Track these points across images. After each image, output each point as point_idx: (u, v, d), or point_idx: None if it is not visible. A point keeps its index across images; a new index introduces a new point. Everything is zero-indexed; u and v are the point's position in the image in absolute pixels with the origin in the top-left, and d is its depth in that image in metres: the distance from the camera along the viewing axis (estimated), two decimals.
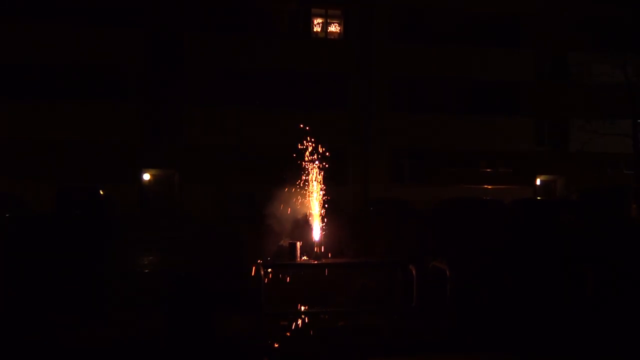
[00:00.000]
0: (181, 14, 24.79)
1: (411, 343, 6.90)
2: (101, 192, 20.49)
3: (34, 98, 23.76)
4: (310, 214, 8.23)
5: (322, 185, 8.30)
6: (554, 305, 8.50)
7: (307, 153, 8.31)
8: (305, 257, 7.87)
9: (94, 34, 24.06)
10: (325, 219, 8.28)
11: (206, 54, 24.68)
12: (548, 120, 27.70)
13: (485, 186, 26.52)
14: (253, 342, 6.71)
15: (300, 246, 7.85)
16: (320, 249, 7.99)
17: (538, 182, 28.08)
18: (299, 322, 7.55)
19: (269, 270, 7.58)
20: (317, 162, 8.24)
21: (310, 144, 8.31)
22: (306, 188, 8.31)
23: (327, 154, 8.41)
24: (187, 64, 24.77)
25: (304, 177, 8.28)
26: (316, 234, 8.15)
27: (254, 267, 7.27)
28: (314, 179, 8.20)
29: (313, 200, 8.24)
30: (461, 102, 26.66)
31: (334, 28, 26.85)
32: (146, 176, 25.11)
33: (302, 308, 7.77)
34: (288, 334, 7.13)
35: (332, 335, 7.15)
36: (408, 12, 26.70)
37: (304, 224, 8.24)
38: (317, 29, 26.65)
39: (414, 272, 7.79)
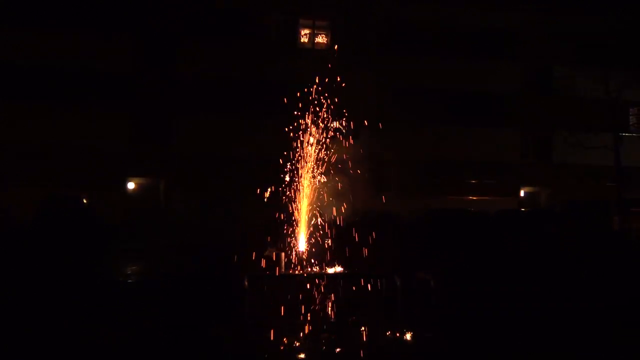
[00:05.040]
0: (171, 22, 24.72)
1: (393, 353, 6.88)
2: (84, 201, 20.27)
3: (17, 102, 23.26)
4: (297, 226, 8.21)
5: (311, 197, 8.29)
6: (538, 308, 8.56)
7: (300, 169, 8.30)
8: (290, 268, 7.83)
9: (83, 40, 23.77)
10: (311, 230, 8.27)
11: (195, 63, 24.57)
12: (532, 132, 28.00)
13: (470, 197, 26.67)
14: (234, 353, 6.66)
15: (286, 256, 7.82)
16: (306, 260, 7.96)
17: (522, 193, 28.34)
18: (280, 332, 7.49)
19: (252, 280, 7.53)
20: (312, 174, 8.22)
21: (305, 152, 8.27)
22: (295, 199, 8.29)
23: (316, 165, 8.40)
24: (177, 72, 24.64)
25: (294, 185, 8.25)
26: (302, 244, 8.13)
27: (237, 278, 7.23)
28: (307, 193, 8.19)
29: (301, 211, 8.22)
30: (447, 113, 26.79)
31: (321, 39, 26.96)
32: (131, 185, 24.90)
33: (284, 319, 7.71)
34: (268, 345, 7.08)
35: (312, 347, 7.10)
36: (395, 24, 26.85)
37: (290, 234, 8.22)
38: (304, 39, 26.74)
39: (398, 283, 7.82)
